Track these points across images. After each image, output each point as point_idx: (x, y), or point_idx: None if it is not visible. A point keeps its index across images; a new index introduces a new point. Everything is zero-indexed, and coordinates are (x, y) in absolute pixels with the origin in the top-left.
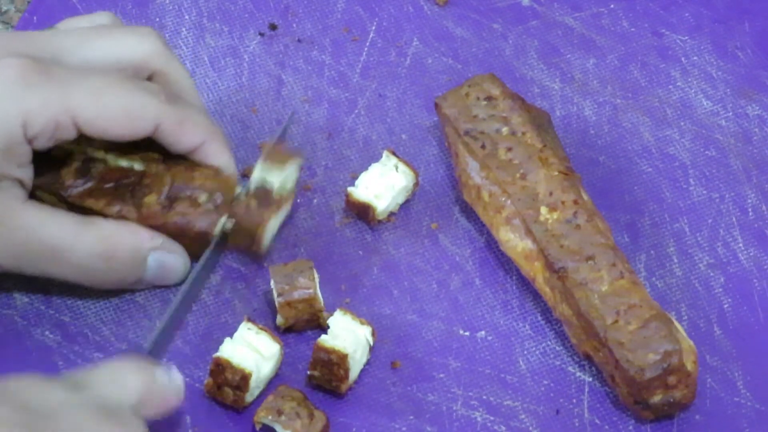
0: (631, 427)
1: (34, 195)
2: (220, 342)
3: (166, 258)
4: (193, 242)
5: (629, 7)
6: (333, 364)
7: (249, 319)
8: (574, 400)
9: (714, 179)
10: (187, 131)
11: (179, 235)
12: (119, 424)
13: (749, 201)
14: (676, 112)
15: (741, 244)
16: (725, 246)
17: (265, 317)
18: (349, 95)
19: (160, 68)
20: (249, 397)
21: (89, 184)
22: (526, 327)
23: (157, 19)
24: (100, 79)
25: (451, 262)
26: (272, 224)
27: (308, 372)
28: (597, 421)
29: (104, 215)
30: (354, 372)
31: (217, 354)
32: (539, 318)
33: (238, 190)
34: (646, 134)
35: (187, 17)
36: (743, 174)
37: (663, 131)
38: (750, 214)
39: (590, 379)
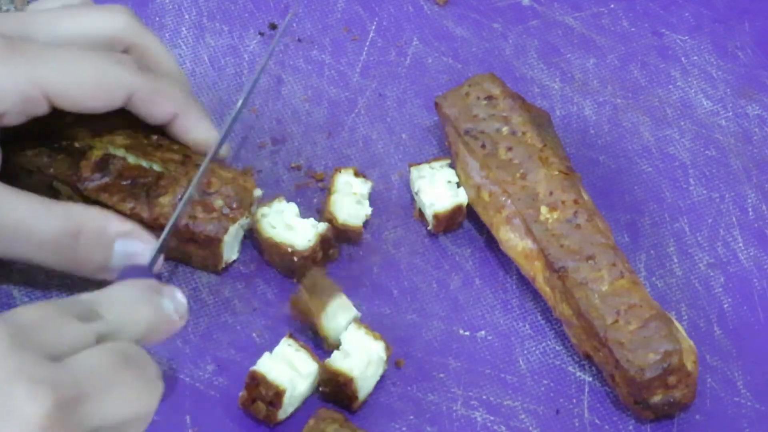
0: (631, 427)
1: (51, 185)
2: (220, 342)
3: (135, 246)
4: (201, 247)
5: (629, 7)
6: (341, 384)
7: (291, 336)
8: (574, 400)
9: (714, 179)
10: (159, 102)
11: (189, 239)
12: (139, 370)
13: (749, 201)
14: (676, 112)
15: (741, 244)
16: (725, 246)
17: (265, 317)
18: (349, 95)
19: (133, 42)
20: (282, 414)
21: (106, 179)
22: (526, 327)
23: (157, 19)
24: (69, 52)
25: (451, 261)
26: (229, 238)
27: (319, 388)
28: (597, 421)
29: (117, 211)
30: (366, 389)
31: (254, 368)
32: (539, 318)
33: (257, 193)
34: (646, 134)
35: (187, 17)
36: (743, 174)
37: (663, 131)
38: (750, 213)
39: (590, 379)
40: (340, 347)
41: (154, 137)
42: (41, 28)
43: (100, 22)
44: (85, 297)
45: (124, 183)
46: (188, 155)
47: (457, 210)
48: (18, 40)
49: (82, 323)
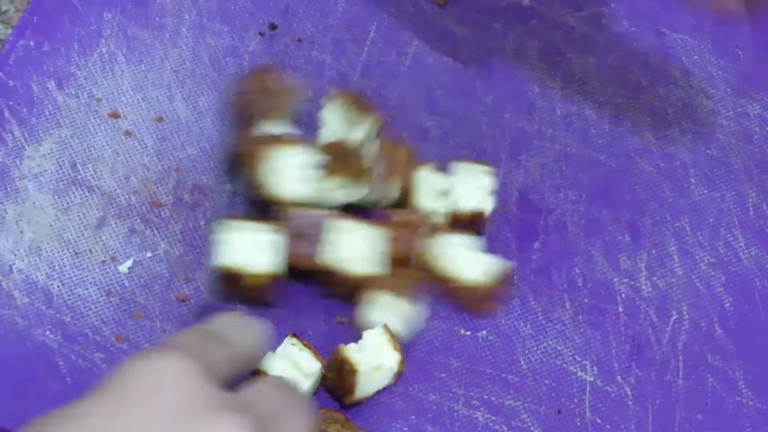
0: (632, 427)
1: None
2: None
3: None
4: None
5: (629, 7)
6: (344, 373)
7: (294, 335)
8: (576, 400)
9: (715, 178)
10: None
11: None
12: (295, 396)
13: (750, 200)
14: (677, 112)
15: (742, 243)
16: (726, 245)
17: (267, 318)
18: None
19: None
20: None
21: None
22: (528, 327)
23: (157, 19)
24: None
25: None
26: None
27: (323, 371)
28: (598, 420)
29: None
30: (366, 391)
31: (257, 366)
32: (540, 318)
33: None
34: (646, 133)
35: (187, 17)
36: (744, 173)
37: (664, 131)
38: (751, 213)
39: (591, 379)
40: (360, 341)
41: None
42: None
43: None
44: (208, 326)
45: None
46: None
47: (477, 215)
48: None
49: (219, 346)
